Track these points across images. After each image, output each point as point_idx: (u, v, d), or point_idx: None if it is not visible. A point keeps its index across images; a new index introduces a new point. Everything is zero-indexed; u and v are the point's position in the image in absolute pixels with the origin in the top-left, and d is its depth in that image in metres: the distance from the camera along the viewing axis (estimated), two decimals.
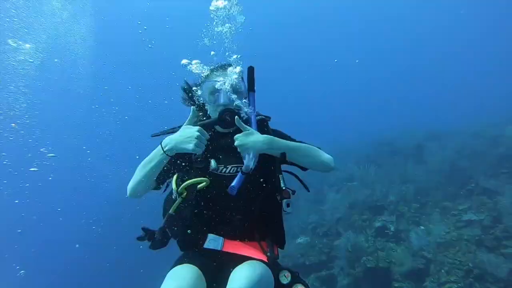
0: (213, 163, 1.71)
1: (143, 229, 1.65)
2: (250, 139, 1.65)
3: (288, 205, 1.65)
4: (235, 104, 1.75)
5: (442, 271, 5.84)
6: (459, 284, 5.53)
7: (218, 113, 1.69)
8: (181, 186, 1.61)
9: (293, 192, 1.71)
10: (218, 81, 1.72)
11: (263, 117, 1.89)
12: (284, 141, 1.76)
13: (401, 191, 8.06)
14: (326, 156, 1.85)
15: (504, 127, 8.77)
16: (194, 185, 1.63)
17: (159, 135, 1.81)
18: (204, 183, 1.65)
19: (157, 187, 1.84)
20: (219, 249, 1.66)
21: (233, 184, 1.62)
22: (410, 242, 6.56)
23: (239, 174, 1.66)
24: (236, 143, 1.65)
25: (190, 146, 1.58)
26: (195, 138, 1.58)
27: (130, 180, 1.79)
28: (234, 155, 1.72)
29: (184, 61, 1.83)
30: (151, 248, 1.65)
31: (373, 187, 8.65)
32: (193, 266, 1.60)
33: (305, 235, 8.07)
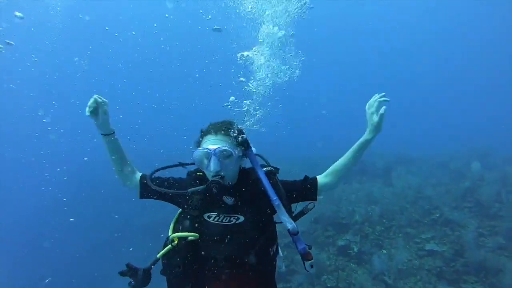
0: (228, 200, 1.76)
1: (127, 265, 1.70)
2: None
3: (312, 266, 1.73)
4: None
5: None
6: None
7: (206, 184, 1.70)
8: (172, 235, 1.72)
9: (310, 247, 1.78)
10: (208, 149, 1.70)
11: (272, 168, 1.91)
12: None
13: (367, 211, 7.94)
14: None
15: (470, 162, 9.02)
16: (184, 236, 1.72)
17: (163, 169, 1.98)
18: (193, 238, 1.71)
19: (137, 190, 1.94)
20: None
21: (299, 248, 1.71)
22: (372, 265, 6.39)
23: (294, 237, 1.72)
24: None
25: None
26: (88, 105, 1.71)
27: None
28: (229, 206, 1.77)
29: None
30: (130, 286, 1.69)
31: (339, 204, 8.50)
32: None
33: None
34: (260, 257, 1.75)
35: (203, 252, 1.75)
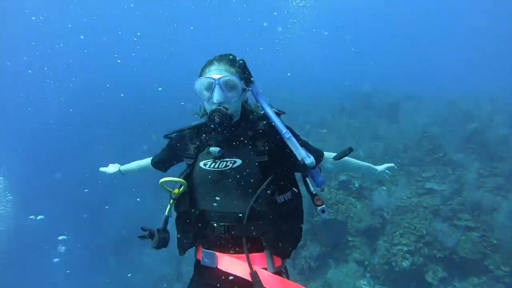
0: (212, 150, 1.65)
1: (143, 228, 1.71)
2: None
3: (323, 211, 1.63)
4: (231, 101, 1.65)
5: (397, 233, 6.03)
6: (409, 247, 5.77)
7: (208, 115, 1.63)
8: (160, 181, 1.62)
9: (322, 189, 1.75)
10: (212, 78, 1.62)
11: (276, 110, 1.73)
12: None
13: (371, 148, 7.97)
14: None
15: (480, 102, 8.77)
16: (179, 186, 1.68)
17: (171, 134, 1.88)
18: (183, 187, 1.66)
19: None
20: (214, 266, 1.59)
21: (319, 180, 1.66)
22: (371, 201, 6.62)
23: (312, 171, 1.67)
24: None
25: None
26: None
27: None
28: (227, 150, 1.67)
29: None
30: (153, 247, 1.68)
31: (344, 138, 8.48)
32: None
33: None
34: (262, 205, 1.56)
35: (199, 205, 1.66)
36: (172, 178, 1.62)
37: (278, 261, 1.61)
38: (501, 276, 4.91)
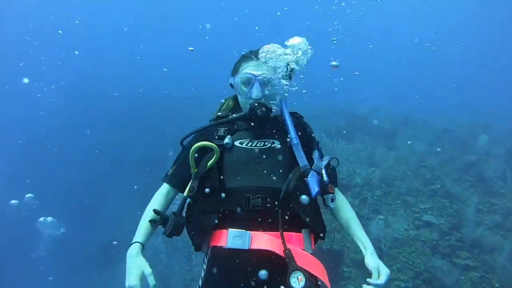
0: (227, 139, 1.67)
1: (155, 212, 1.56)
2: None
3: (332, 200, 1.61)
4: (269, 97, 1.71)
5: (394, 267, 5.79)
6: (407, 284, 5.54)
7: (249, 106, 1.65)
8: (195, 146, 1.53)
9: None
10: (252, 74, 1.67)
11: (297, 112, 1.87)
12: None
13: (368, 174, 7.78)
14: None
15: (477, 134, 8.76)
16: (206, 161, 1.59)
17: (187, 136, 1.76)
18: (215, 157, 1.56)
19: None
20: (246, 248, 1.44)
21: (316, 190, 1.50)
22: (368, 230, 6.37)
23: (313, 174, 1.53)
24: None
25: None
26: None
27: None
28: (265, 132, 1.72)
29: None
30: (164, 234, 1.53)
31: (340, 163, 8.27)
32: None
33: None
34: (298, 182, 1.57)
35: (228, 183, 1.58)
36: (205, 143, 1.56)
37: (312, 244, 1.65)
38: None
